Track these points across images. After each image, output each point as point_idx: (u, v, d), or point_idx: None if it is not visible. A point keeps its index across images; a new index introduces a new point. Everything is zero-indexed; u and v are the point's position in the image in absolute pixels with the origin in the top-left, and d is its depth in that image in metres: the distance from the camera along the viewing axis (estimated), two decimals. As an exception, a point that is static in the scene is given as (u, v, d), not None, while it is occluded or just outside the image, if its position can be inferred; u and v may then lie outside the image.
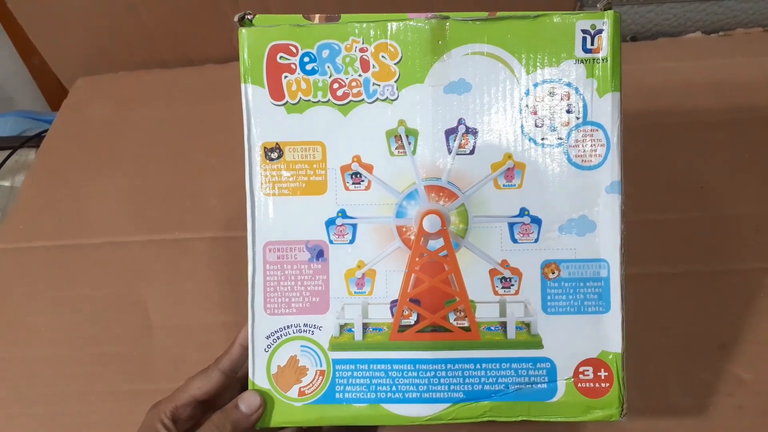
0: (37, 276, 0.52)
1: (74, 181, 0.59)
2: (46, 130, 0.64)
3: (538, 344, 0.34)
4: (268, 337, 0.35)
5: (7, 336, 0.49)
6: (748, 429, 0.41)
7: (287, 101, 0.34)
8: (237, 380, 0.37)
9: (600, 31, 0.32)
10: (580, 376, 0.34)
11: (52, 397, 0.46)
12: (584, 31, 0.32)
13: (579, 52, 0.32)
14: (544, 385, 0.34)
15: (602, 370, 0.34)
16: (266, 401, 0.34)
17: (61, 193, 0.58)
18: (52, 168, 0.60)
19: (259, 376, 0.35)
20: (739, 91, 0.56)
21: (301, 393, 0.34)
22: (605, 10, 0.32)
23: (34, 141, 0.66)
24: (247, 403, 0.34)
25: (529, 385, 0.34)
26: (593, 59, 0.32)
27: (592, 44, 0.32)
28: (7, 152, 0.65)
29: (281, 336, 0.35)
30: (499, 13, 0.32)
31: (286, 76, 0.33)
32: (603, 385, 0.34)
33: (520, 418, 0.34)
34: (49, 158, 0.61)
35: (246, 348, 0.35)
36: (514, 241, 0.34)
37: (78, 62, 0.68)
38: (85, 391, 0.46)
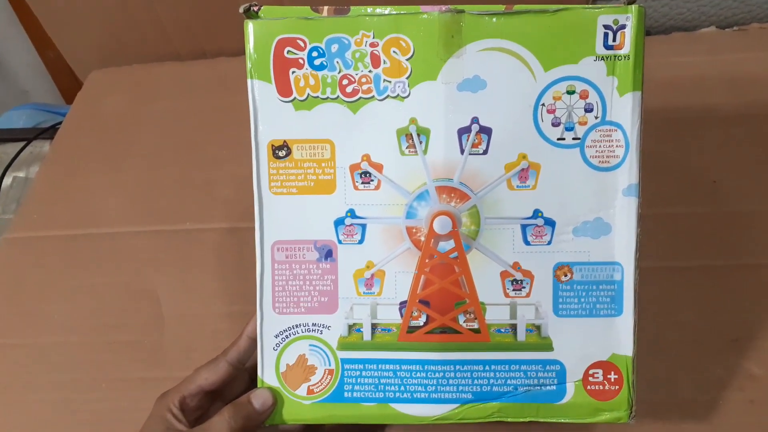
0: (51, 265, 0.52)
1: (88, 172, 0.58)
2: (60, 123, 0.63)
3: (548, 347, 0.32)
4: (276, 336, 0.33)
5: (21, 323, 0.49)
6: (758, 424, 0.39)
7: (295, 97, 0.31)
8: (244, 371, 0.36)
9: (623, 27, 0.29)
10: (590, 378, 0.32)
11: (65, 383, 0.45)
12: (606, 27, 0.29)
13: (600, 49, 0.30)
14: (553, 387, 0.32)
15: (612, 372, 0.32)
16: (276, 399, 0.33)
17: (75, 183, 0.57)
18: (66, 159, 0.59)
19: (268, 374, 0.33)
20: (753, 87, 0.53)
21: (309, 391, 0.33)
22: (629, 4, 0.29)
23: (49, 133, 0.65)
24: (260, 399, 0.33)
25: (538, 387, 0.32)
26: (614, 56, 0.30)
27: (614, 40, 0.29)
28: (21, 144, 0.64)
29: (290, 335, 0.33)
30: (516, 7, 0.29)
31: (293, 72, 0.31)
32: (612, 387, 0.32)
33: (528, 419, 0.33)
34: (63, 150, 0.60)
35: (253, 340, 0.34)
36: (527, 243, 0.31)
37: (93, 55, 0.67)
38: (96, 378, 0.45)
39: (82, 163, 0.58)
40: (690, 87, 0.54)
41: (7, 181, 0.63)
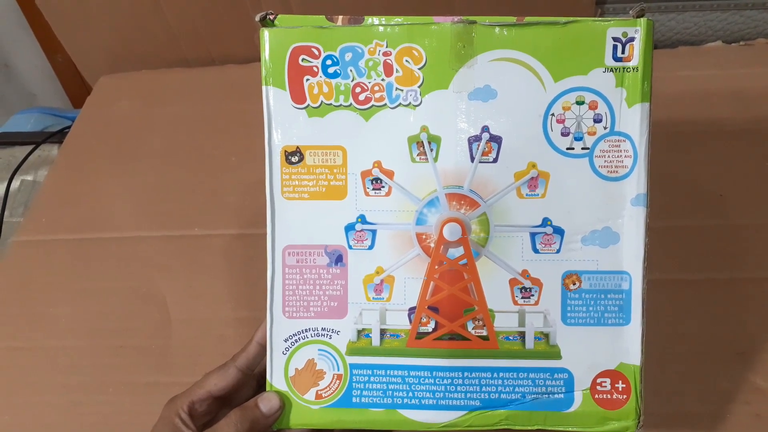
0: (59, 268, 0.52)
1: (96, 177, 0.58)
2: (68, 127, 0.64)
3: (556, 355, 0.32)
4: (286, 340, 0.33)
5: (28, 326, 0.49)
6: (764, 439, 0.39)
7: (308, 104, 0.32)
8: (253, 377, 0.36)
9: (632, 39, 0.30)
10: (598, 387, 0.32)
11: (71, 387, 0.46)
12: (615, 39, 0.30)
13: (609, 61, 0.30)
14: (561, 396, 0.33)
15: (620, 381, 0.32)
16: (284, 403, 0.33)
17: (83, 188, 0.58)
18: (75, 163, 0.60)
19: (276, 378, 0.34)
20: (758, 101, 0.54)
21: (318, 396, 0.33)
22: (638, 17, 0.30)
23: (57, 137, 0.66)
24: (267, 403, 0.33)
25: (546, 395, 0.33)
26: (623, 68, 0.30)
27: (623, 52, 0.30)
28: (29, 147, 0.65)
29: (299, 339, 0.33)
30: (527, 19, 0.30)
31: (307, 79, 0.32)
32: (620, 396, 0.32)
33: (536, 428, 0.33)
34: (71, 154, 0.61)
35: (262, 346, 0.34)
36: (536, 251, 0.32)
37: (102, 60, 0.68)
38: (103, 382, 0.46)
39: (90, 167, 0.59)
40: (696, 101, 0.55)
41: (15, 184, 0.63)
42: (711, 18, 0.59)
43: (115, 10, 0.65)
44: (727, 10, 0.58)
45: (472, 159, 0.32)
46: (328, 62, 0.32)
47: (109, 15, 0.65)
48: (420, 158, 0.32)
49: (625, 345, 0.32)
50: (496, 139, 0.31)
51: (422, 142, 0.32)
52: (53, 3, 0.65)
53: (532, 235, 0.32)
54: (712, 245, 0.47)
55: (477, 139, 0.31)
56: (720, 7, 0.59)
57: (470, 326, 0.33)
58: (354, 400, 0.33)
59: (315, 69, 0.32)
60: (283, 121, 0.32)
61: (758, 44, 0.60)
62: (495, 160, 0.32)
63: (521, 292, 0.32)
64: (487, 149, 0.32)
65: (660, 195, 0.48)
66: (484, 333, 0.33)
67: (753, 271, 0.46)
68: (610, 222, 0.32)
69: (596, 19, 0.30)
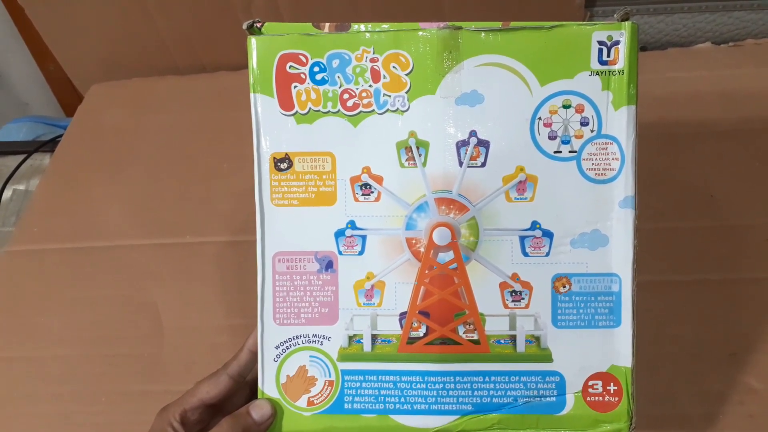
0: (51, 277, 0.52)
1: (88, 185, 0.58)
2: (60, 135, 0.64)
3: (547, 358, 0.33)
4: (277, 347, 0.34)
5: (20, 336, 0.49)
6: (758, 439, 0.40)
7: (297, 111, 0.32)
8: (245, 384, 0.36)
9: (617, 43, 0.30)
10: (589, 389, 0.32)
11: (64, 396, 0.46)
12: (600, 43, 0.30)
13: (594, 64, 0.31)
14: (553, 399, 0.33)
15: (611, 384, 0.32)
16: (276, 410, 0.33)
17: (75, 196, 0.58)
18: (67, 172, 0.60)
19: (268, 386, 0.34)
20: (748, 101, 0.55)
21: (309, 403, 0.33)
22: (623, 20, 0.30)
23: (49, 146, 0.66)
24: (258, 411, 0.33)
25: (538, 398, 0.33)
26: (609, 71, 0.31)
27: (609, 56, 0.30)
28: (21, 156, 0.65)
29: (290, 346, 0.33)
30: (512, 24, 0.31)
31: (295, 86, 0.32)
32: (612, 399, 0.32)
33: (528, 431, 0.33)
34: (63, 162, 0.61)
35: (254, 353, 0.34)
36: (525, 254, 0.32)
37: (93, 68, 0.68)
38: (96, 391, 0.46)
39: (82, 176, 0.59)
40: (686, 102, 0.55)
41: (7, 193, 0.63)
42: (700, 19, 0.60)
43: (105, 18, 0.65)
44: (716, 11, 0.59)
45: (461, 163, 0.32)
46: (316, 69, 0.32)
47: (99, 23, 0.66)
48: (409, 163, 0.32)
49: (616, 347, 0.32)
50: (484, 144, 0.32)
51: (411, 147, 0.32)
52: (43, 12, 0.65)
53: (522, 239, 0.32)
54: (704, 246, 0.47)
55: (465, 143, 0.32)
56: (709, 9, 0.59)
57: (461, 330, 0.33)
58: (346, 406, 0.33)
59: (303, 76, 0.32)
60: (272, 128, 0.32)
61: (747, 45, 0.60)
62: (483, 165, 0.32)
63: (511, 295, 0.32)
64: (475, 153, 0.32)
65: (650, 196, 0.49)
66: (475, 337, 0.33)
67: (744, 271, 0.46)
68: (599, 224, 0.32)
69: (581, 23, 0.30)
